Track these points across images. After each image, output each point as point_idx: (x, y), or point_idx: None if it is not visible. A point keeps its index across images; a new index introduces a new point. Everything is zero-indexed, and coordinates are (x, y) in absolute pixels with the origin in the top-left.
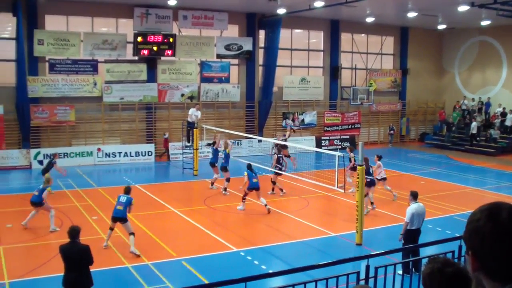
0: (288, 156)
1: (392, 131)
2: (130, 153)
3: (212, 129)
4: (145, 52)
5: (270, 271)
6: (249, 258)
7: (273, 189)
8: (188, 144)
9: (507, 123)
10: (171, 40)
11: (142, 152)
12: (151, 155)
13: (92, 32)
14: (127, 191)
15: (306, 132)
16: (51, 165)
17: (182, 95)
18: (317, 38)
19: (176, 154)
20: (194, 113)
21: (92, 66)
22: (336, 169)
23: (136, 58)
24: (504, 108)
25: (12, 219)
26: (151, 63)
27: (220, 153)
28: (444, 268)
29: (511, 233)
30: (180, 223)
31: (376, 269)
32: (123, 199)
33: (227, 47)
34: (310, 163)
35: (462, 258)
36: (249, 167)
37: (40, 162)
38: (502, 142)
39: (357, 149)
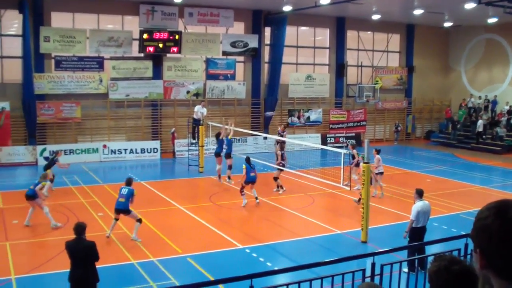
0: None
1: (398, 128)
2: (136, 150)
3: (221, 126)
4: (151, 49)
5: (276, 268)
6: (254, 255)
7: (277, 186)
8: (194, 141)
9: None
10: (176, 37)
11: (147, 149)
12: (157, 152)
13: (98, 29)
14: (129, 182)
15: (311, 130)
16: (53, 162)
17: (188, 92)
18: (323, 36)
19: (182, 151)
20: (200, 110)
21: (98, 63)
22: (341, 167)
23: (142, 55)
24: (510, 106)
25: (18, 215)
26: (157, 60)
27: (224, 144)
28: (450, 266)
29: None
30: (186, 220)
31: (382, 266)
32: (125, 191)
33: (233, 44)
34: (316, 161)
35: (468, 256)
36: (248, 160)
37: (46, 159)
38: (508, 140)
39: (362, 146)
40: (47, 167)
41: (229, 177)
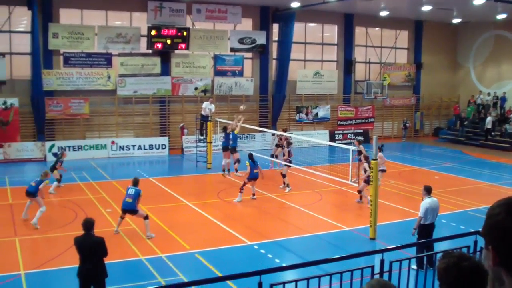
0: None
1: (406, 125)
2: (144, 146)
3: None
4: (159, 45)
5: (284, 265)
6: (262, 251)
7: (283, 183)
8: (202, 138)
9: None
10: (184, 33)
11: (155, 145)
12: (165, 148)
13: (106, 25)
14: (135, 183)
15: (319, 126)
16: (57, 163)
17: (196, 88)
18: (331, 32)
19: (190, 148)
20: (208, 107)
21: (106, 60)
22: (350, 163)
23: (150, 51)
24: None
25: (28, 211)
26: (165, 56)
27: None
28: (460, 262)
29: None
30: (194, 216)
31: (391, 263)
32: (132, 191)
33: (241, 41)
34: (324, 157)
35: (478, 253)
36: (251, 156)
37: (55, 155)
38: None
39: (371, 143)
40: (53, 168)
41: (236, 170)
